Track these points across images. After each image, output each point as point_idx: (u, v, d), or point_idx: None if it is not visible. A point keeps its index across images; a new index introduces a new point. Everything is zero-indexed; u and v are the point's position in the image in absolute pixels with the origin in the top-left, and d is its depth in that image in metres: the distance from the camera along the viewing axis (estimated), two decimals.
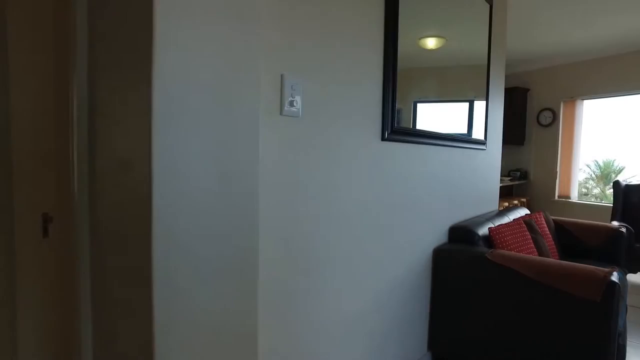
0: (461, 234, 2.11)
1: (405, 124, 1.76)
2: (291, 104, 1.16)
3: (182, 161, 0.78)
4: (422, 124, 1.87)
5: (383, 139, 1.61)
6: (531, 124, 5.17)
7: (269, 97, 1.11)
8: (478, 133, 2.40)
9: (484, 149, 2.52)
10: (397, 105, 1.66)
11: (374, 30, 1.54)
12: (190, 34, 0.78)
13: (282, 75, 1.14)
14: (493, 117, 2.63)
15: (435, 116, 2.02)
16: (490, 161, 2.64)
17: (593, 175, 5.81)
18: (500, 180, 2.98)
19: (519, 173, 5.16)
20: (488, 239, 2.09)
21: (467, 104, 2.32)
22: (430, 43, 1.98)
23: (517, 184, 5.14)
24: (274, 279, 1.17)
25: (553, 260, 1.74)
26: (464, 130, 2.28)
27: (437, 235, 2.07)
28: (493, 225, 2.20)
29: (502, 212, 2.57)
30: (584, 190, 5.75)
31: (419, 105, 1.88)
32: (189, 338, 0.82)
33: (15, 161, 1.51)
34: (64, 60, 1.66)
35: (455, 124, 2.21)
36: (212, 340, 0.86)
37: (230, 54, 0.86)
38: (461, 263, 1.93)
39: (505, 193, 5.08)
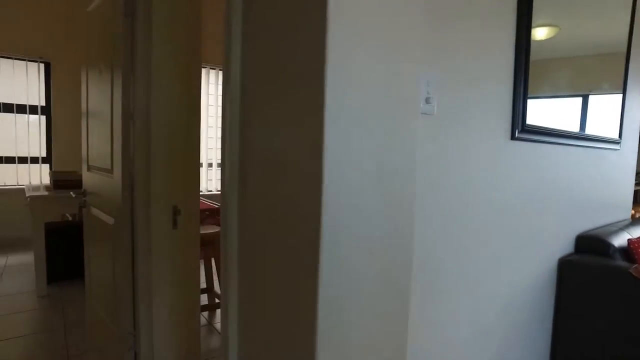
0: (591, 244, 1.88)
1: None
2: (427, 101, 1.10)
3: (347, 161, 0.77)
4: (538, 121, 1.68)
5: (512, 137, 1.48)
6: None
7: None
8: (610, 131, 2.12)
9: (617, 149, 2.22)
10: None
11: (505, 17, 1.41)
12: (356, 41, 0.76)
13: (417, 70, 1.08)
14: (631, 113, 2.30)
15: (554, 113, 1.81)
16: (623, 163, 2.32)
17: None
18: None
19: None
20: (626, 252, 1.83)
21: (593, 98, 2.05)
22: (540, 34, 1.77)
23: None
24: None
25: None
26: (588, 128, 2.02)
27: (562, 244, 1.86)
28: (631, 237, 1.92)
29: (638, 221, 2.25)
30: None
31: (529, 101, 1.70)
32: (348, 339, 0.80)
33: (152, 160, 1.66)
34: (196, 67, 1.78)
35: (575, 120, 1.96)
36: (368, 344, 0.84)
37: (390, 59, 0.83)
38: (595, 277, 1.71)
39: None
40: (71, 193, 2.31)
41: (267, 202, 0.91)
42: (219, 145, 5.09)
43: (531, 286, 1.69)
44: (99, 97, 2.04)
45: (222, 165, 1.05)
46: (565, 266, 1.82)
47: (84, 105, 2.29)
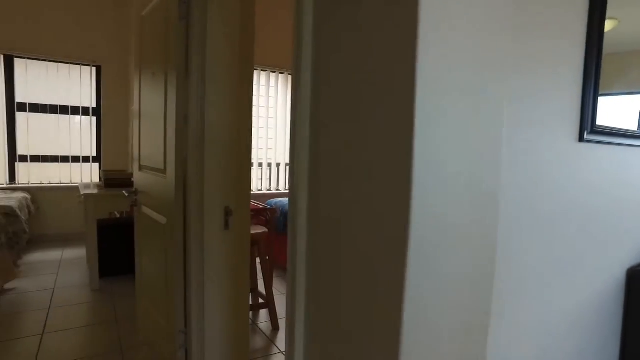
0: None
1: None
2: None
3: (434, 170, 0.74)
4: (606, 121, 1.57)
5: (581, 139, 1.38)
6: None
7: None
8: None
9: None
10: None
11: (574, 9, 1.32)
12: (447, 45, 0.73)
13: None
14: None
15: (620, 111, 1.68)
16: None
17: None
18: None
19: None
20: None
21: None
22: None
23: None
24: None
25: None
26: None
27: (630, 253, 1.73)
28: None
29: None
30: None
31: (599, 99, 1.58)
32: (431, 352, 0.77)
33: (206, 161, 1.68)
34: (248, 69, 1.79)
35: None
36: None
37: (481, 63, 0.79)
38: None
39: None
40: (124, 192, 2.39)
41: (342, 211, 0.89)
42: (269, 146, 5.16)
43: (597, 298, 1.58)
44: (152, 99, 2.09)
45: (290, 171, 1.03)
46: (634, 277, 1.69)
47: (136, 107, 2.36)
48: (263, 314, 2.82)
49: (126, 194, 2.32)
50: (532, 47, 1.18)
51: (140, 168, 2.30)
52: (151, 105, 2.11)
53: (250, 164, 1.81)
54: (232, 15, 1.68)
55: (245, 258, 1.82)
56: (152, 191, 2.11)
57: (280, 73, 5.16)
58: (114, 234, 3.40)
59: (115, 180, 3.28)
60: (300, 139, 0.97)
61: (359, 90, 0.85)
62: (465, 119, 0.80)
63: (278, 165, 5.39)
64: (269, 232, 2.92)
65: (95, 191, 3.12)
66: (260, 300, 2.71)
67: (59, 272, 3.50)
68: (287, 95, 5.21)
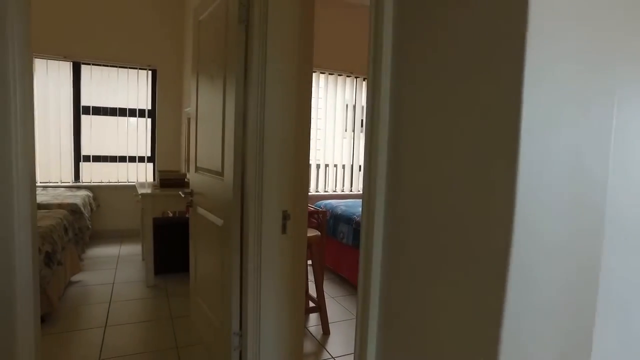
0: None
1: None
2: None
3: (542, 167, 0.67)
4: None
5: None
6: None
7: None
8: None
9: None
10: None
11: None
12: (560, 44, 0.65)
13: None
14: None
15: None
16: None
17: None
18: None
19: None
20: None
21: None
22: None
23: None
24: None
25: None
26: None
27: None
28: None
29: None
30: None
31: None
32: None
33: (265, 165, 1.67)
34: (307, 71, 1.77)
35: None
36: None
37: (589, 69, 0.71)
38: None
39: None
40: (180, 192, 2.45)
41: (430, 224, 0.83)
42: (317, 147, 5.15)
43: None
44: (209, 102, 2.13)
45: (366, 176, 0.99)
46: None
47: (193, 110, 2.42)
48: (313, 317, 2.80)
49: (182, 195, 2.37)
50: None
51: (197, 169, 2.35)
52: (209, 108, 2.14)
53: (309, 167, 1.78)
54: (292, 18, 1.66)
55: (302, 262, 1.79)
56: (208, 193, 2.14)
57: (330, 74, 5.14)
58: (168, 232, 3.52)
59: (170, 181, 3.39)
60: (377, 144, 0.92)
61: (458, 93, 0.78)
62: (573, 126, 0.72)
63: (327, 166, 5.38)
64: (321, 232, 2.90)
65: (150, 191, 3.24)
66: (311, 304, 2.69)
67: (117, 267, 3.67)
68: (336, 96, 5.18)
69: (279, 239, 1.71)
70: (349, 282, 3.54)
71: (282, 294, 1.75)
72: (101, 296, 2.97)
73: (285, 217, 1.71)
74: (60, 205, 3.60)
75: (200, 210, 2.26)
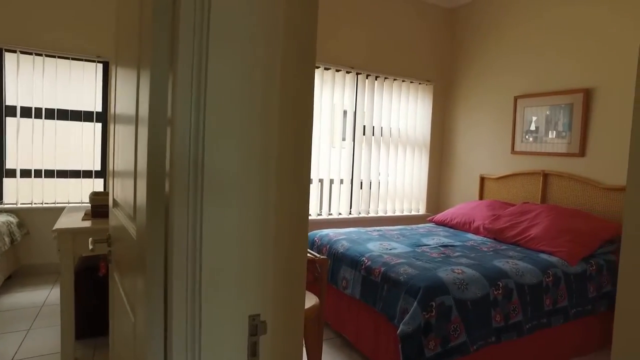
0: None
1: None
2: None
3: None
4: None
5: None
6: None
7: None
8: None
9: None
10: None
11: None
12: None
13: None
14: None
15: None
16: None
17: None
18: None
19: None
20: None
21: None
22: None
23: None
24: None
25: None
26: None
27: None
28: None
29: None
30: None
31: None
32: None
33: (212, 214, 0.77)
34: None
35: None
36: None
37: None
38: None
39: None
40: (89, 243, 1.50)
41: None
42: (320, 157, 4.25)
43: None
44: (124, 103, 1.20)
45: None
46: None
47: (111, 111, 1.48)
48: None
49: (90, 247, 1.42)
50: None
51: (114, 204, 1.41)
52: (123, 112, 1.22)
53: (307, 215, 0.85)
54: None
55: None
56: (120, 250, 1.21)
57: (326, 69, 4.24)
58: (99, 277, 2.53)
59: (105, 208, 2.42)
60: None
61: None
62: None
63: (321, 181, 4.41)
64: (320, 294, 1.97)
65: (76, 224, 2.27)
66: None
67: (33, 325, 2.66)
68: (333, 96, 4.28)
69: None
70: (353, 347, 2.60)
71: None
72: None
73: (256, 328, 0.79)
74: None
75: (117, 277, 1.32)
